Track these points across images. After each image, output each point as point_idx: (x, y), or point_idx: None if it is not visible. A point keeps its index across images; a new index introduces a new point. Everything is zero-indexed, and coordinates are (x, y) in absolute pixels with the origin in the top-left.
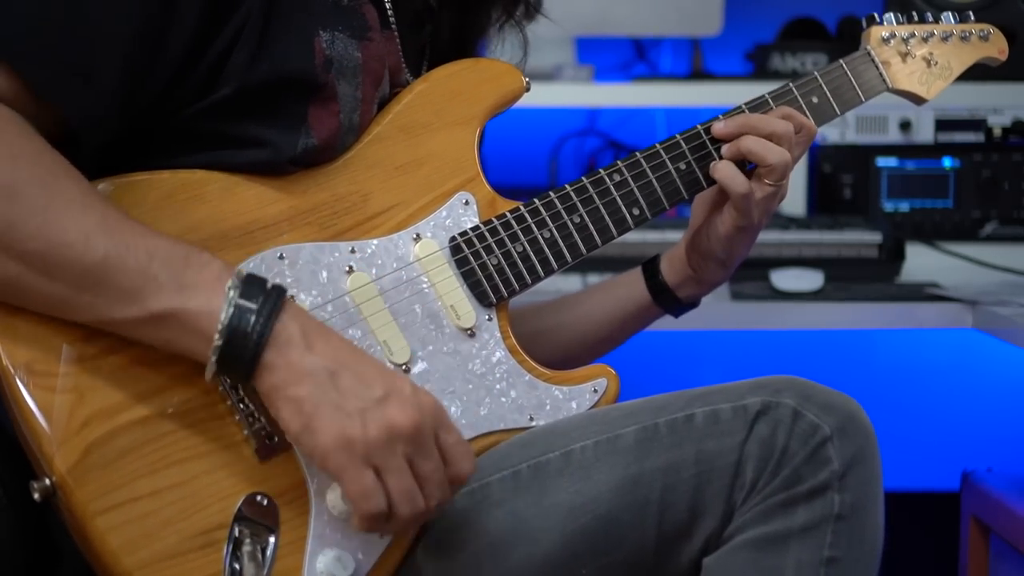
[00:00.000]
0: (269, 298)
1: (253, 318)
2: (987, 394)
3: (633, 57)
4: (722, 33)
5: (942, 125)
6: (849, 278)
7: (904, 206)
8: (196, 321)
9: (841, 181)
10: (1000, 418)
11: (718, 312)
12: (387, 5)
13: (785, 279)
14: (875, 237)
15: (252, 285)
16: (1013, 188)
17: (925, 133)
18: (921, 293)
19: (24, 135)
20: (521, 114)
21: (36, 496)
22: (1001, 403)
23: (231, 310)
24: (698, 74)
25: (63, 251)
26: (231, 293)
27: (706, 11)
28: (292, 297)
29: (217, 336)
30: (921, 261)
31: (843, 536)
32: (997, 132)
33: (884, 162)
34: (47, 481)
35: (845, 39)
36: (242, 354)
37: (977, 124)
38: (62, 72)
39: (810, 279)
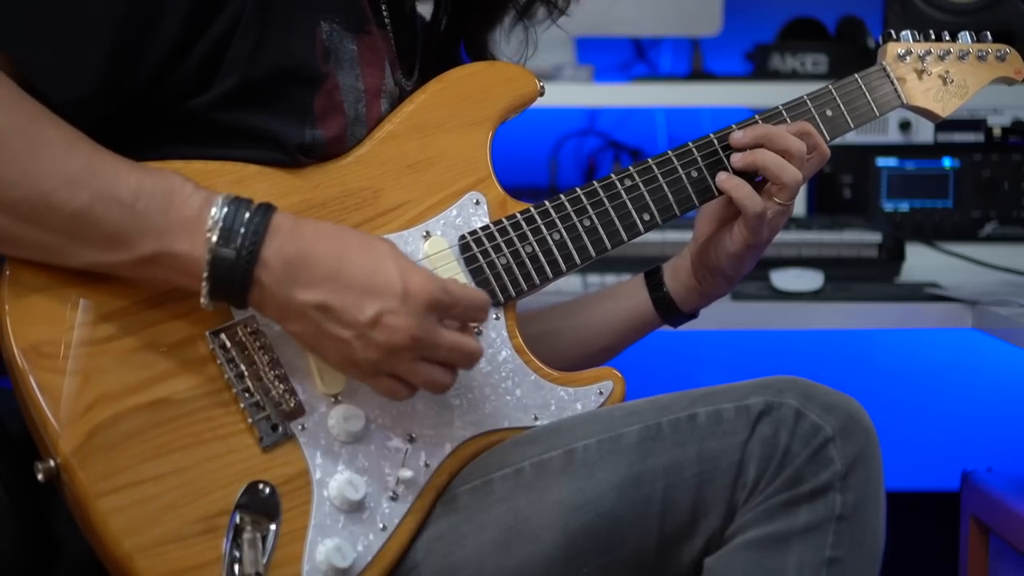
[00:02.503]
0: (247, 240)
1: (232, 267)
2: (987, 394)
3: (633, 57)
4: (722, 33)
5: (942, 125)
6: (849, 278)
7: (904, 206)
8: (183, 264)
9: (841, 181)
10: (1000, 418)
11: (718, 312)
12: (382, 4)
13: (785, 279)
14: (875, 237)
15: (229, 229)
16: (1013, 188)
17: (925, 133)
18: (921, 293)
19: (2, 85)
20: (521, 114)
21: (40, 477)
22: (1001, 403)
23: (209, 257)
24: (698, 74)
25: (47, 198)
26: (211, 238)
27: (706, 11)
28: (272, 219)
29: (204, 283)
30: (921, 261)
31: (845, 537)
32: (997, 132)
33: (884, 162)
34: (51, 462)
35: (845, 39)
36: (231, 298)
37: (977, 124)
38: (44, 50)
39: (810, 279)
